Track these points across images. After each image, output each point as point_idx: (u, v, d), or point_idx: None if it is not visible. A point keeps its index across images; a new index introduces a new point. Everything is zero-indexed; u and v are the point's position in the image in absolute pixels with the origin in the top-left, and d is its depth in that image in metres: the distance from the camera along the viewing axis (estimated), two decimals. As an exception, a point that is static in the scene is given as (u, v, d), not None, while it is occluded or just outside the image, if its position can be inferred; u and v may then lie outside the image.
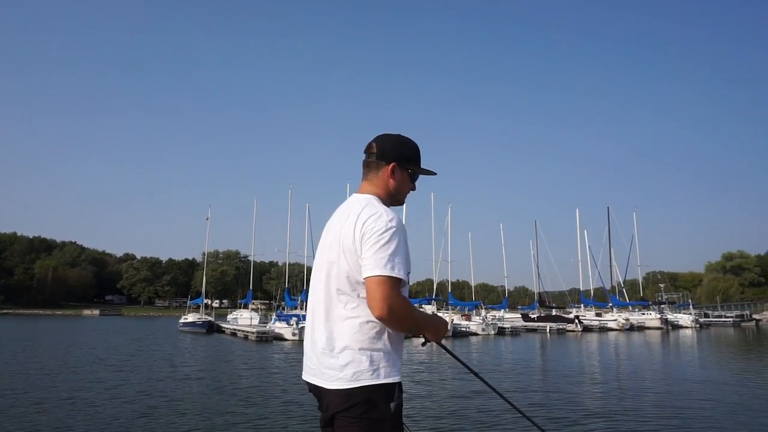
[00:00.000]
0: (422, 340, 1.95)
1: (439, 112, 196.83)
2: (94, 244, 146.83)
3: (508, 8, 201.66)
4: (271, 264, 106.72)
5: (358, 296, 1.73)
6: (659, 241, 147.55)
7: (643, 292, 64.72)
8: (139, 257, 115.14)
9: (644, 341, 33.04)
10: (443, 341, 1.95)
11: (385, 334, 1.74)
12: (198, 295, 55.02)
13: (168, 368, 16.45)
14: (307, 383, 1.85)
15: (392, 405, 1.69)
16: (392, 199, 1.93)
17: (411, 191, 1.99)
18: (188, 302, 55.26)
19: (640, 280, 66.17)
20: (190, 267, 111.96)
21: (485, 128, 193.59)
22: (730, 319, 61.77)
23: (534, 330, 46.01)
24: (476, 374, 2.12)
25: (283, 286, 46.99)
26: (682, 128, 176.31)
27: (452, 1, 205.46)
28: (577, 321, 46.68)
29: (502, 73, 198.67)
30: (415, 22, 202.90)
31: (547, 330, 43.94)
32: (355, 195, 1.92)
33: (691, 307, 61.11)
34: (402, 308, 1.66)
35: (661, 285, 72.06)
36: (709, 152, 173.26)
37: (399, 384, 1.74)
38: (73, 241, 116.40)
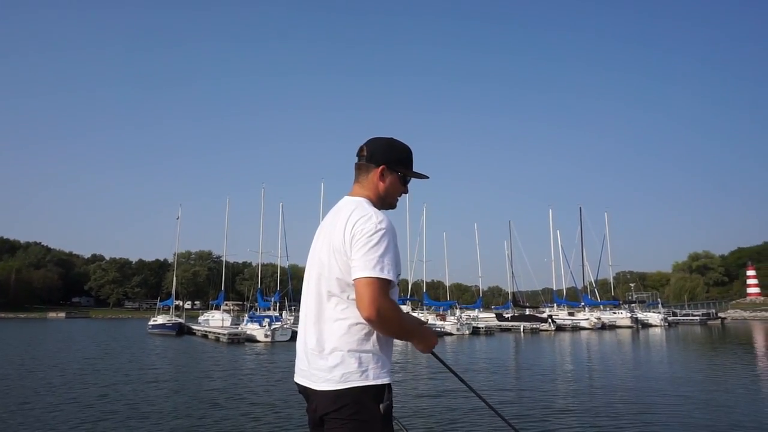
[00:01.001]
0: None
1: (415, 112, 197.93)
2: (60, 244, 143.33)
3: (489, 5, 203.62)
4: (245, 264, 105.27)
5: (348, 298, 1.73)
6: (628, 241, 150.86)
7: (613, 292, 65.74)
8: (107, 258, 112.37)
9: (615, 340, 33.52)
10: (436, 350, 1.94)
11: (374, 336, 1.74)
12: (169, 296, 53.78)
13: (133, 371, 15.91)
14: (297, 384, 1.84)
15: (382, 406, 1.69)
16: (383, 202, 1.92)
17: (403, 194, 1.98)
18: (158, 304, 54.04)
19: (611, 280, 67.30)
20: (160, 268, 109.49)
21: (461, 127, 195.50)
22: (697, 318, 63.40)
23: (508, 329, 46.38)
24: (466, 383, 2.05)
25: (256, 287, 46.29)
26: (654, 129, 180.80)
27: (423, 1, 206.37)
28: (550, 320, 47.18)
29: (479, 73, 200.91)
30: (386, 23, 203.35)
31: (521, 329, 44.39)
32: (346, 197, 1.92)
33: (660, 306, 62.42)
34: (390, 311, 1.66)
35: (632, 284, 73.61)
36: (678, 155, 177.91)
37: (388, 385, 1.73)
38: (37, 241, 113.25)
